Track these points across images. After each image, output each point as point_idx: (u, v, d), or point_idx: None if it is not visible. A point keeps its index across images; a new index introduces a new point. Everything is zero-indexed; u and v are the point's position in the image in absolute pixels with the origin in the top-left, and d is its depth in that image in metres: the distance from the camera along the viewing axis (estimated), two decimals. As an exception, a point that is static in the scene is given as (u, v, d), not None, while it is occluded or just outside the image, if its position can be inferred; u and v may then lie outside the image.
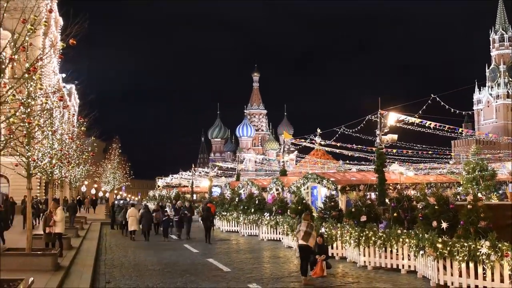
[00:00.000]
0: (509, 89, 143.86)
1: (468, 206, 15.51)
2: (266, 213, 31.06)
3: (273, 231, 29.65)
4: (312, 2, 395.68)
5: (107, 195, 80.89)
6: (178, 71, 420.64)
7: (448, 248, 14.97)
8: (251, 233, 33.24)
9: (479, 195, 22.48)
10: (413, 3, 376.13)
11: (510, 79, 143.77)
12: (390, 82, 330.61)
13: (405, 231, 18.24)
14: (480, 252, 14.16)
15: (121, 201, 59.95)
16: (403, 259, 18.12)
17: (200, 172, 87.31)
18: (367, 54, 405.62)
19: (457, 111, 27.93)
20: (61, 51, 12.64)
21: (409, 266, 17.92)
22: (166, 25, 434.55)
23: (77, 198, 61.71)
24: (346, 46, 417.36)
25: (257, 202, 34.79)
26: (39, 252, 17.30)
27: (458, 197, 27.42)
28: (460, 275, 14.80)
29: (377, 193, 25.20)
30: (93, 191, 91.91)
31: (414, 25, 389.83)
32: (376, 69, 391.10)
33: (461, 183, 36.27)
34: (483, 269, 14.25)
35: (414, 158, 50.82)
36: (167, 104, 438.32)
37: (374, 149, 30.86)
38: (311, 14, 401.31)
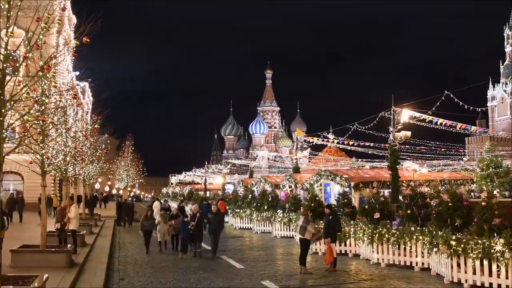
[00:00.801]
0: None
1: (482, 203, 15.42)
2: (279, 210, 31.05)
3: (286, 228, 29.65)
4: (314, 3, 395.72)
5: (120, 192, 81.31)
6: (184, 71, 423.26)
7: (462, 246, 14.92)
8: (264, 230, 33.27)
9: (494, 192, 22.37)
10: (415, 3, 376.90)
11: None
12: (397, 82, 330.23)
13: (418, 228, 18.17)
14: (494, 249, 14.11)
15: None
16: (416, 256, 18.07)
17: (213, 169, 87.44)
18: (375, 53, 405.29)
19: (471, 108, 27.77)
20: (74, 49, 12.71)
21: (423, 264, 17.88)
22: (168, 25, 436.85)
23: (95, 195, 62.34)
24: (352, 46, 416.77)
25: (270, 199, 34.77)
26: (53, 249, 17.41)
27: (472, 194, 27.29)
28: (474, 273, 14.76)
29: (390, 190, 25.12)
30: (106, 188, 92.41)
31: (417, 26, 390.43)
32: (383, 69, 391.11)
33: (475, 180, 36.08)
34: (498, 266, 14.20)
35: (427, 155, 50.64)
36: (176, 103, 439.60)
37: (387, 146, 30.77)
38: (313, 14, 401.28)
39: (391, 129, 24.97)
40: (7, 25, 10.43)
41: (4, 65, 10.46)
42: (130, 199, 56.79)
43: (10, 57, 10.69)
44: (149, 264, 19.95)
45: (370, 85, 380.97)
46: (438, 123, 28.09)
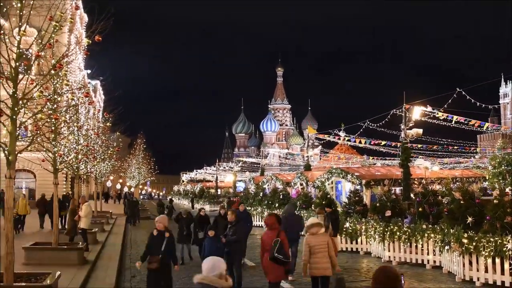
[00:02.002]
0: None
1: (494, 201, 15.38)
2: (290, 208, 31.01)
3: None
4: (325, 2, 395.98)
5: (132, 190, 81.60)
6: (195, 69, 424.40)
7: (474, 244, 14.88)
8: (275, 227, 33.19)
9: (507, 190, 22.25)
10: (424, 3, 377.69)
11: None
12: (408, 81, 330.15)
13: (430, 226, 18.14)
14: (507, 247, 14.06)
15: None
16: (428, 254, 18.02)
17: (224, 167, 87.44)
18: (386, 52, 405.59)
19: (483, 105, 27.66)
20: (86, 47, 12.76)
21: (434, 262, 17.83)
22: (177, 22, 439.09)
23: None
24: (361, 46, 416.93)
25: (281, 197, 34.77)
26: (65, 247, 17.51)
27: (484, 192, 27.18)
28: (486, 271, 14.71)
29: (402, 188, 25.08)
30: (118, 186, 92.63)
31: (426, 25, 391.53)
32: (394, 68, 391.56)
33: (487, 178, 35.88)
34: (510, 264, 14.14)
35: (439, 153, 50.46)
36: (188, 101, 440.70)
37: (399, 144, 30.70)
38: (323, 13, 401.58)
39: (402, 126, 24.92)
40: (20, 24, 10.50)
41: (17, 63, 10.53)
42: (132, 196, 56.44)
43: (23, 56, 10.76)
44: (161, 262, 19.95)
45: (380, 83, 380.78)
46: (454, 120, 27.98)
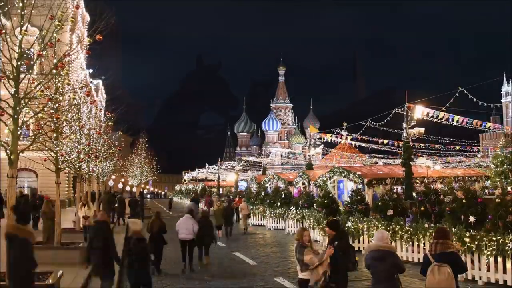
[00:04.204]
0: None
1: (497, 200, 15.36)
2: (292, 207, 31.02)
3: (299, 225, 29.63)
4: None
5: (134, 189, 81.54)
6: (197, 68, 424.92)
7: (476, 243, 14.88)
8: (277, 227, 33.27)
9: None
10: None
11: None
12: (409, 81, 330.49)
13: (432, 225, 18.10)
14: (509, 246, 14.04)
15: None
16: (430, 253, 17.98)
17: (226, 166, 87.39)
18: (384, 52, 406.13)
19: (485, 104, 27.60)
20: (88, 47, 12.77)
21: (437, 261, 17.78)
22: (180, 21, 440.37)
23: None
24: (363, 46, 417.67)
25: (283, 196, 34.77)
26: (68, 246, 17.50)
27: (486, 191, 27.13)
28: (488, 270, 14.70)
29: (404, 187, 25.06)
30: (120, 185, 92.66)
31: (424, 27, 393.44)
32: (393, 68, 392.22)
33: (489, 177, 35.84)
34: (512, 263, 14.14)
35: (441, 152, 50.38)
36: (190, 100, 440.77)
37: (401, 143, 30.67)
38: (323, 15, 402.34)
39: (404, 125, 24.90)
40: (21, 23, 10.51)
41: (19, 63, 10.54)
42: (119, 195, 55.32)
43: (25, 55, 10.77)
44: (163, 261, 19.95)
45: (381, 83, 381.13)
46: (455, 121, 27.92)
